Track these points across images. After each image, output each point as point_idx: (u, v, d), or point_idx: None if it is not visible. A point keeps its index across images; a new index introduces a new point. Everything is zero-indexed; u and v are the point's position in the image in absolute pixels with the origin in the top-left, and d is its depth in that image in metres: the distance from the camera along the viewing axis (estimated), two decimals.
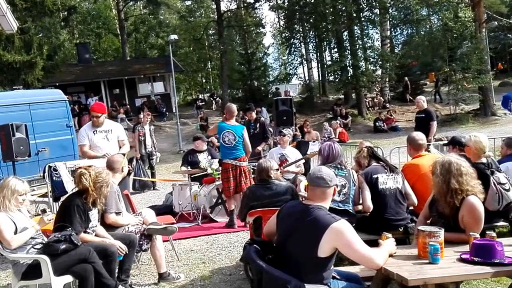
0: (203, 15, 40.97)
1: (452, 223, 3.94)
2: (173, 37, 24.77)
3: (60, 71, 26.23)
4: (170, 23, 45.19)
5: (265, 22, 39.15)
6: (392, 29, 33.74)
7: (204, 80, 47.82)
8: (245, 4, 34.70)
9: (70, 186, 6.94)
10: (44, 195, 8.58)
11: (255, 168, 8.05)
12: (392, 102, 29.23)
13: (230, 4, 35.76)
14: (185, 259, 6.66)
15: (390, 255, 3.59)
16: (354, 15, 26.68)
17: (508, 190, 5.01)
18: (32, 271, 4.53)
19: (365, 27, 28.63)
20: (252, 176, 8.12)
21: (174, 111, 26.42)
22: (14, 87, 15.10)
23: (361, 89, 26.95)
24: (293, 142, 11.73)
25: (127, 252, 5.05)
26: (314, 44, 34.98)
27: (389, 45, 31.26)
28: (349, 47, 27.66)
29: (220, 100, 32.36)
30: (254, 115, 10.95)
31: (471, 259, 3.46)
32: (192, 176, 9.33)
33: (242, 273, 5.72)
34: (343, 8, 26.70)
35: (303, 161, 9.42)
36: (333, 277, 3.56)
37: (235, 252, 6.75)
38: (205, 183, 9.18)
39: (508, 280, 4.15)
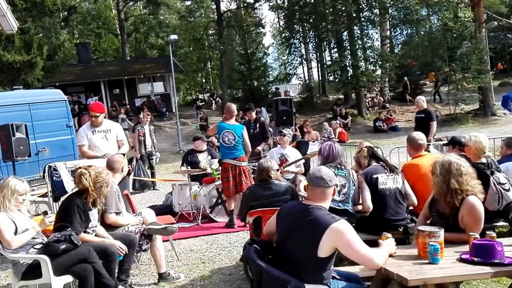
0: (203, 15, 41.01)
1: (452, 223, 3.94)
2: (173, 37, 24.77)
3: (60, 71, 26.26)
4: (170, 23, 45.21)
5: (265, 22, 39.27)
6: (392, 29, 33.77)
7: (204, 80, 47.84)
8: (245, 4, 34.71)
9: (70, 186, 6.94)
10: (44, 195, 8.57)
11: (255, 168, 8.07)
12: (392, 102, 29.24)
13: (230, 4, 35.90)
14: (185, 259, 6.66)
15: (390, 255, 3.59)
16: (354, 15, 26.69)
17: (508, 190, 5.01)
18: (32, 271, 4.53)
19: (365, 27, 28.68)
20: (252, 176, 8.12)
21: (174, 111, 26.43)
22: (14, 87, 15.09)
23: (361, 89, 26.96)
24: (293, 142, 11.73)
25: (127, 252, 5.05)
26: (314, 44, 35.04)
27: (389, 45, 31.27)
28: (349, 47, 27.67)
29: (220, 100, 32.37)
30: (254, 115, 10.95)
31: (471, 259, 3.46)
32: (192, 176, 9.34)
33: (242, 273, 5.71)
34: (343, 8, 26.71)
35: (303, 161, 9.42)
36: (333, 277, 3.56)
37: (235, 252, 6.76)
38: (205, 183, 9.18)
39: (508, 280, 4.15)
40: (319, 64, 38.21)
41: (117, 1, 37.25)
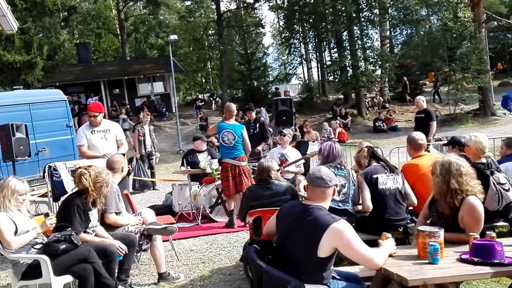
0: (202, 15, 41.03)
1: (452, 223, 3.94)
2: (173, 37, 24.79)
3: (60, 71, 26.28)
4: (170, 23, 45.22)
5: (264, 22, 39.31)
6: (392, 29, 33.79)
7: (203, 80, 47.86)
8: (245, 4, 34.72)
9: (70, 186, 6.93)
10: (44, 195, 8.57)
11: (255, 168, 8.07)
12: (392, 102, 29.24)
13: (230, 4, 35.90)
14: (185, 259, 6.66)
15: (390, 255, 3.59)
16: (354, 15, 26.71)
17: (507, 190, 5.01)
18: (32, 271, 4.53)
19: (365, 27, 28.70)
20: (252, 176, 8.11)
21: (174, 111, 26.43)
22: (14, 87, 15.11)
23: (360, 89, 26.98)
24: (293, 142, 11.73)
25: (127, 252, 5.05)
26: (314, 44, 35.04)
27: (388, 45, 31.29)
28: (348, 47, 27.69)
29: (220, 100, 32.38)
30: (254, 115, 10.95)
31: (471, 259, 3.47)
32: (192, 176, 9.34)
33: (242, 273, 5.71)
34: (343, 8, 26.73)
35: (303, 161, 9.42)
36: (333, 277, 3.56)
37: (235, 252, 6.76)
38: (205, 183, 9.18)
39: (508, 280, 4.15)
40: (319, 64, 38.26)
41: (117, 1, 37.25)
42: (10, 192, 4.60)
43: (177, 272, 5.87)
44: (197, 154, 10.01)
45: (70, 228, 4.69)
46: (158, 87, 32.23)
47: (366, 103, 27.99)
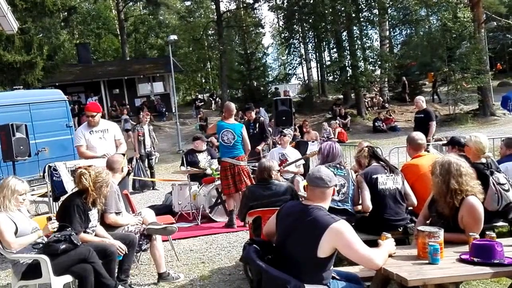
0: (202, 15, 40.99)
1: (451, 224, 3.94)
2: (173, 37, 24.79)
3: (60, 71, 26.30)
4: (169, 24, 45.20)
5: (264, 23, 39.35)
6: (391, 29, 33.83)
7: (203, 80, 47.87)
8: (245, 5, 34.73)
9: (70, 186, 6.93)
10: (44, 195, 8.57)
11: (254, 168, 8.08)
12: (391, 102, 29.25)
13: (230, 5, 35.90)
14: (185, 259, 6.66)
15: (390, 256, 3.59)
16: (353, 15, 26.75)
17: (507, 191, 5.01)
18: (32, 271, 4.53)
19: (364, 28, 28.75)
20: (252, 176, 8.12)
21: (173, 111, 26.43)
22: (14, 87, 15.12)
23: (360, 89, 27.00)
24: (292, 142, 11.73)
25: (127, 252, 5.05)
26: (313, 44, 35.00)
27: (388, 45, 31.33)
28: (348, 47, 27.71)
29: (219, 100, 32.38)
30: (253, 114, 10.95)
31: (470, 260, 3.47)
32: (192, 176, 9.34)
33: (242, 273, 5.72)
34: (342, 9, 26.77)
35: (303, 161, 9.43)
36: (333, 277, 3.56)
37: (235, 252, 6.76)
38: (205, 183, 9.18)
39: (508, 280, 4.15)
40: (318, 64, 38.24)
41: (117, 2, 37.25)
42: (10, 192, 4.61)
43: (177, 272, 5.87)
44: (197, 154, 10.01)
45: (70, 228, 4.69)
46: (158, 87, 32.23)
47: (366, 103, 28.00)
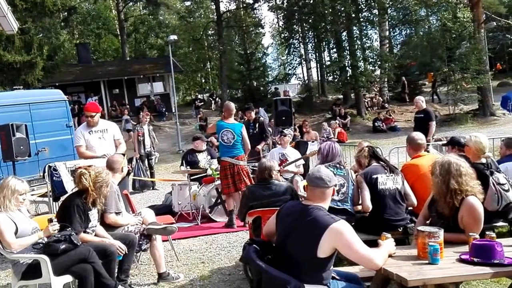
0: (202, 15, 40.99)
1: (451, 224, 3.94)
2: (173, 37, 24.82)
3: (60, 71, 26.30)
4: (169, 24, 45.21)
5: (264, 23, 39.40)
6: (391, 30, 33.81)
7: (203, 80, 47.87)
8: (244, 5, 34.74)
9: (70, 186, 6.93)
10: (44, 195, 8.58)
11: (254, 168, 8.08)
12: (391, 102, 29.25)
13: (230, 5, 35.89)
14: (185, 259, 6.66)
15: (390, 256, 3.59)
16: (353, 15, 26.75)
17: (507, 191, 5.00)
18: (32, 271, 4.53)
19: (364, 28, 28.75)
20: (252, 176, 8.13)
21: (173, 111, 26.43)
22: (14, 87, 15.11)
23: (360, 89, 27.00)
24: (292, 142, 11.74)
25: (127, 252, 5.05)
26: (313, 44, 34.97)
27: (388, 45, 31.32)
28: (348, 48, 27.72)
29: (219, 100, 32.38)
30: (253, 114, 10.94)
31: (470, 260, 3.47)
32: (192, 176, 9.34)
33: (242, 273, 5.72)
34: (342, 9, 26.77)
35: (303, 161, 9.43)
36: (333, 278, 3.56)
37: (234, 252, 6.76)
38: (205, 183, 9.19)
39: (508, 280, 4.15)
40: (318, 64, 38.22)
41: (117, 2, 37.27)
42: (10, 192, 4.61)
43: (177, 272, 5.87)
44: (197, 154, 10.02)
45: (70, 228, 4.69)
46: (158, 87, 32.24)
47: (366, 103, 28.01)
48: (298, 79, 39.22)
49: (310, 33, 34.03)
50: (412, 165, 5.61)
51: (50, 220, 4.65)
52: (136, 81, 31.58)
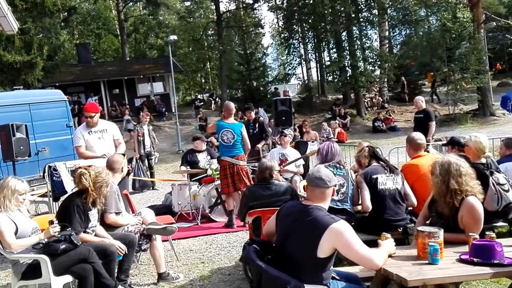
0: (202, 15, 40.97)
1: (451, 224, 3.94)
2: (173, 37, 24.83)
3: (60, 71, 26.31)
4: (169, 24, 45.19)
5: (264, 23, 39.37)
6: (391, 30, 33.82)
7: (203, 80, 47.85)
8: (244, 5, 34.72)
9: (70, 186, 6.93)
10: (44, 195, 8.58)
11: (254, 168, 8.08)
12: (391, 102, 29.24)
13: (229, 5, 35.89)
14: (184, 259, 6.66)
15: (390, 256, 3.59)
16: (353, 15, 26.76)
17: (507, 191, 5.00)
18: (32, 271, 4.53)
19: (364, 28, 28.75)
20: (252, 176, 8.13)
21: (173, 111, 26.43)
22: (14, 87, 15.13)
23: (359, 89, 27.00)
24: (292, 143, 11.75)
25: (127, 252, 5.05)
26: (313, 44, 34.96)
27: (387, 45, 31.31)
28: (347, 48, 27.71)
29: (219, 100, 32.38)
30: (253, 114, 10.95)
31: (470, 260, 3.47)
32: (191, 175, 9.34)
33: (241, 273, 5.73)
34: (342, 9, 26.77)
35: (303, 162, 9.44)
36: (333, 278, 3.56)
37: (234, 252, 6.77)
38: (204, 183, 9.19)
39: (508, 280, 4.15)
40: (318, 64, 38.20)
41: (117, 2, 37.26)
42: (11, 192, 4.61)
43: (177, 272, 5.87)
44: (197, 154, 10.02)
45: (70, 228, 4.70)
46: (158, 87, 32.23)
47: (365, 103, 28.00)
48: (298, 79, 39.30)
49: (310, 33, 34.05)
50: (412, 165, 5.61)
51: (51, 222, 4.65)
52: (136, 81, 31.57)
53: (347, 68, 27.00)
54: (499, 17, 28.46)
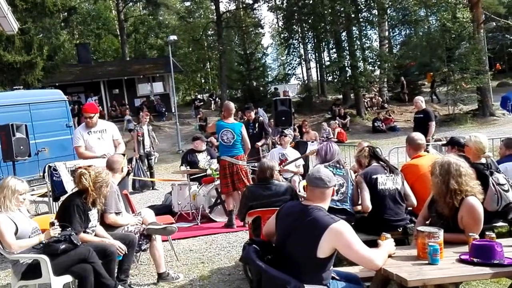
0: (202, 15, 40.96)
1: (451, 224, 3.94)
2: (173, 37, 24.83)
3: (60, 71, 26.31)
4: (169, 24, 45.20)
5: (263, 23, 39.38)
6: (390, 30, 33.82)
7: (203, 81, 47.85)
8: (244, 5, 34.72)
9: (70, 186, 6.93)
10: (44, 195, 8.58)
11: (254, 168, 8.08)
12: (391, 102, 29.24)
13: (229, 5, 35.89)
14: (184, 259, 6.66)
15: (389, 256, 3.59)
16: (353, 15, 26.76)
17: (507, 191, 5.01)
18: (32, 271, 4.53)
19: (364, 28, 28.75)
20: (252, 176, 8.13)
21: (173, 111, 26.42)
22: (14, 87, 15.13)
23: (359, 89, 27.00)
24: (292, 143, 11.76)
25: (127, 252, 5.05)
26: (313, 44, 34.95)
27: (387, 45, 31.31)
28: (347, 48, 27.71)
29: (219, 100, 32.38)
30: (253, 114, 10.97)
31: (470, 260, 3.47)
32: (191, 176, 9.35)
33: (241, 273, 5.73)
34: (342, 9, 26.76)
35: (303, 162, 9.44)
36: (333, 278, 3.56)
37: (234, 252, 6.77)
38: (204, 183, 9.19)
39: (508, 281, 4.15)
40: (317, 65, 38.18)
41: (117, 2, 37.26)
42: (11, 192, 4.61)
43: (177, 272, 5.88)
44: (197, 154, 10.03)
45: (70, 228, 4.70)
46: (158, 87, 32.22)
47: (365, 103, 28.00)
48: (298, 79, 39.24)
49: (309, 33, 34.05)
50: (411, 165, 5.61)
51: (52, 224, 4.65)
52: (136, 81, 31.57)
53: (347, 68, 27.00)
54: (498, 17, 28.48)
